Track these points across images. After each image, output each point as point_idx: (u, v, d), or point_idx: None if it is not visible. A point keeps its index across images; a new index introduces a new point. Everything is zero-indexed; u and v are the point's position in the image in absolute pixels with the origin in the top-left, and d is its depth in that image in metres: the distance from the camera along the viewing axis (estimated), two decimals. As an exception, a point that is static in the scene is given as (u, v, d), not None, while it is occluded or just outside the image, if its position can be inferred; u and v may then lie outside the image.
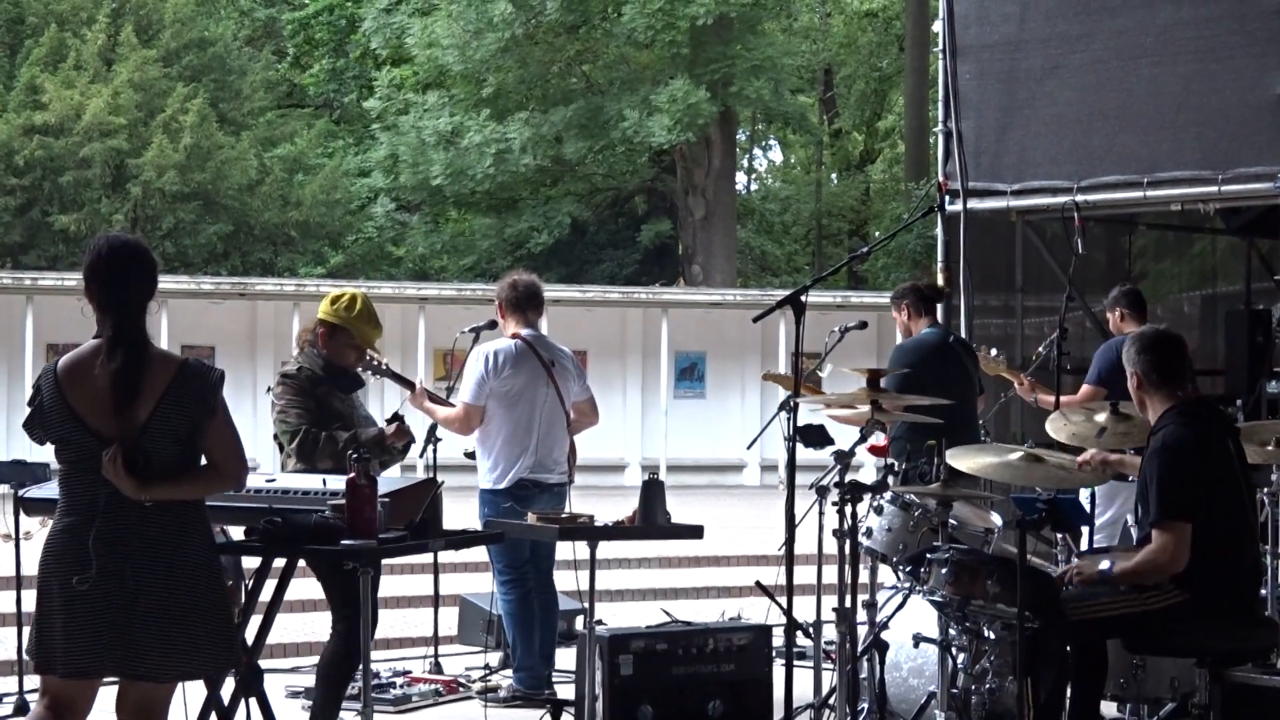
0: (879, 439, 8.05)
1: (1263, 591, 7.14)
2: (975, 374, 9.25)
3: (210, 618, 5.19)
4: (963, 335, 10.93)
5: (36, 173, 30.82)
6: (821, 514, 7.41)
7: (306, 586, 10.31)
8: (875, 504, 7.25)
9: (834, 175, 43.92)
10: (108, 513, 5.10)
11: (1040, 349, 9.61)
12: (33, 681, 7.02)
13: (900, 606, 7.03)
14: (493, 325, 9.00)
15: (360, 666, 6.26)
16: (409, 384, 8.51)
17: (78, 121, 30.71)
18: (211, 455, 5.19)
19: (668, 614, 8.05)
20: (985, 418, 10.07)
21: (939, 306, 9.42)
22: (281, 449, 7.34)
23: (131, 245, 5.30)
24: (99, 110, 30.64)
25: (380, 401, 19.21)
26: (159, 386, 5.11)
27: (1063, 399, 9.02)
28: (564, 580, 9.15)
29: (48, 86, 30.97)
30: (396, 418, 7.50)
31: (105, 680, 5.28)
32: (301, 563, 6.39)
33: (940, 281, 11.55)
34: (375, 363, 7.77)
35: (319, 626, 10.82)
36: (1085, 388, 8.99)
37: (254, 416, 26.66)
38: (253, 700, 6.47)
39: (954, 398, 7.59)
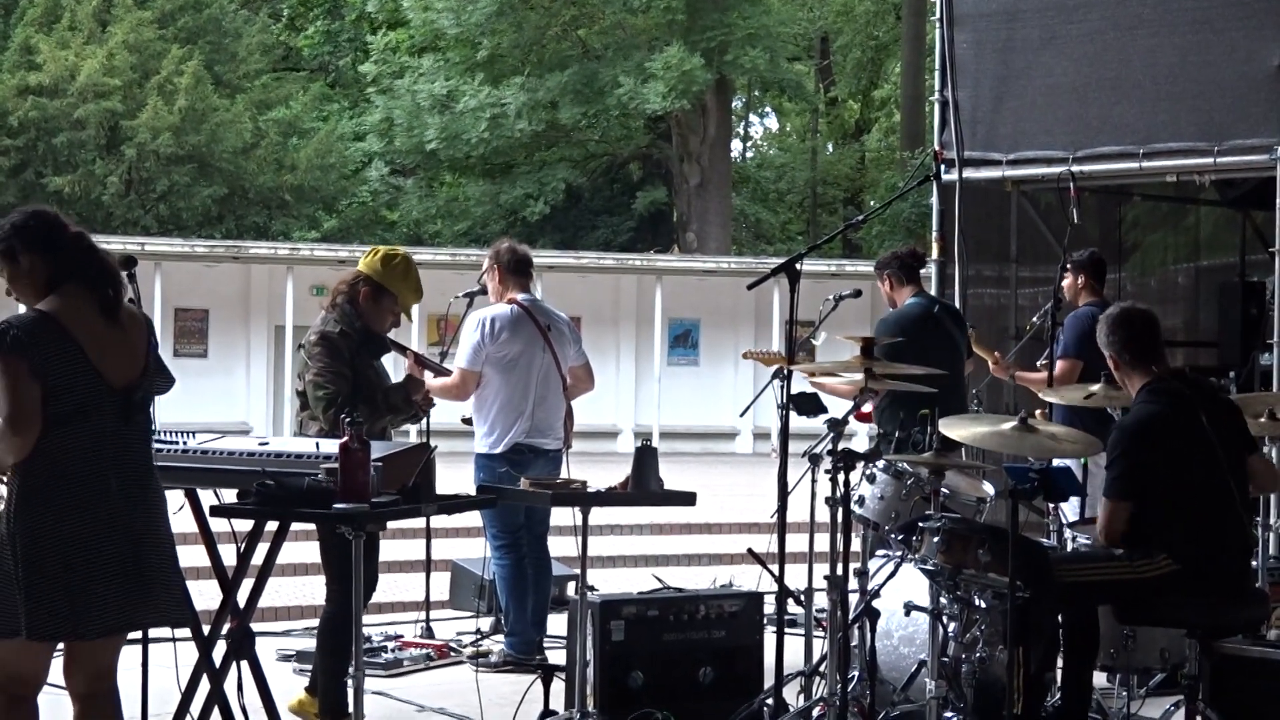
0: (866, 405, 8.03)
1: (1253, 563, 7.15)
2: (963, 341, 9.22)
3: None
4: (956, 304, 10.91)
5: (30, 134, 30.73)
6: (814, 482, 7.42)
7: (299, 550, 10.37)
8: (868, 472, 7.24)
9: (829, 143, 43.86)
10: None
11: (1034, 319, 9.57)
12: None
13: (892, 575, 7.02)
14: (485, 291, 8.99)
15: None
16: (402, 349, 8.46)
17: (72, 82, 30.60)
18: None
19: (659, 580, 8.05)
20: (978, 388, 10.05)
21: (922, 273, 9.38)
22: (303, 408, 7.09)
23: None
24: (93, 71, 30.52)
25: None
26: None
27: (1039, 376, 8.99)
28: (557, 546, 9.16)
29: (42, 47, 30.85)
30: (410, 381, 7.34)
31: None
32: (295, 526, 6.39)
33: (934, 251, 11.51)
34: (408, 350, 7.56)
35: (311, 590, 10.85)
36: (1061, 363, 8.90)
37: (246, 379, 26.69)
38: (244, 663, 6.49)
39: (937, 367, 7.57)
